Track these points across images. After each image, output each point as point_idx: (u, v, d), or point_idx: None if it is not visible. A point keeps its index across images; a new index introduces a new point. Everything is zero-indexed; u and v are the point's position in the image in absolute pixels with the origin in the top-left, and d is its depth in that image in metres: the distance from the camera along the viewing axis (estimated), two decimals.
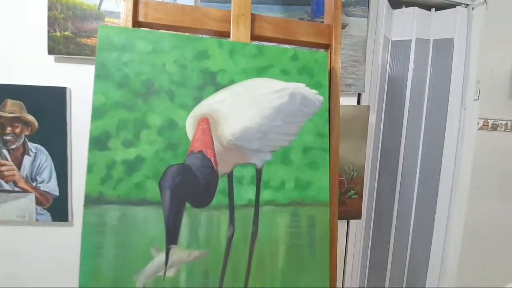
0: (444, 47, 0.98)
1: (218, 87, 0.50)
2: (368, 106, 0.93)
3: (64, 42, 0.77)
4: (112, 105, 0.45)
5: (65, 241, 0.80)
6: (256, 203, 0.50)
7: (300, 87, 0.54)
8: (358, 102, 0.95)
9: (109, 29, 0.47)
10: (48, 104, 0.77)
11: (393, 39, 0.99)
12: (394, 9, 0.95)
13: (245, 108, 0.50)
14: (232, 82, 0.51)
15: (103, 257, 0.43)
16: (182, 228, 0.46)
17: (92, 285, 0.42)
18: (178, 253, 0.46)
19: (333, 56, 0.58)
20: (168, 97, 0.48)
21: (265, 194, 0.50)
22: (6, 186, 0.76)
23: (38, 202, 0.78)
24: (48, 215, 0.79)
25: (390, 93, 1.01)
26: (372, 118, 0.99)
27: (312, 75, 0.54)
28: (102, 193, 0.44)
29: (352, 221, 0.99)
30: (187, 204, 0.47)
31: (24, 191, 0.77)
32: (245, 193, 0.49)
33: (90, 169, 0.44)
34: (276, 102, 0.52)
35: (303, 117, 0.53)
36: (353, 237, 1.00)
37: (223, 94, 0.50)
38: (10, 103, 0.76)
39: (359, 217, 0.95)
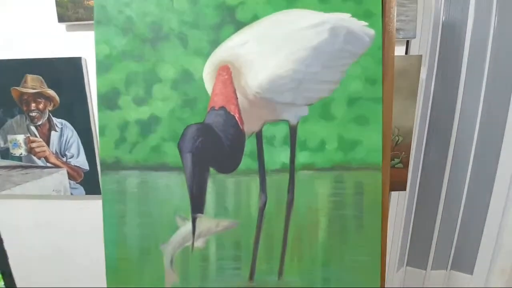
0: None
1: (239, 26, 0.40)
2: (420, 56, 0.76)
3: (72, 7, 0.71)
4: (118, 56, 0.39)
5: (100, 213, 0.82)
6: (291, 168, 0.42)
7: (344, 19, 0.41)
8: (406, 52, 0.77)
9: None
10: (65, 77, 0.74)
11: None
12: None
13: (274, 51, 0.40)
14: (255, 18, 0.40)
15: (126, 226, 0.40)
16: (208, 195, 0.41)
17: (118, 255, 0.39)
18: (206, 222, 0.41)
19: None
20: (179, 42, 0.39)
21: (302, 157, 0.42)
22: (39, 162, 0.79)
23: (71, 177, 0.80)
24: (81, 189, 0.81)
25: (444, 42, 0.81)
26: (423, 72, 0.81)
27: (360, 1, 0.41)
28: (118, 158, 0.40)
29: (393, 193, 0.87)
30: (212, 169, 0.41)
31: (56, 166, 0.79)
32: (277, 156, 0.41)
33: (102, 131, 0.39)
34: (313, 40, 0.40)
35: (348, 58, 0.42)
36: (394, 211, 0.89)
37: (245, 34, 0.40)
38: (30, 78, 0.74)
39: (404, 188, 0.83)
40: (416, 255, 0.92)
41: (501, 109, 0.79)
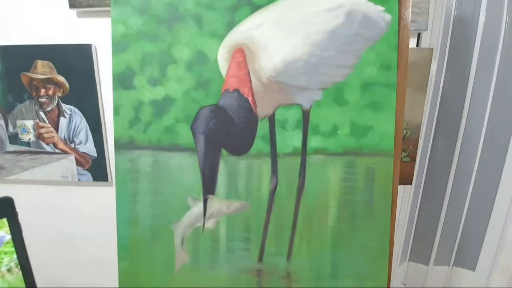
0: None
1: (254, 8, 0.40)
2: (432, 49, 0.75)
3: None
4: (134, 36, 0.39)
5: (107, 199, 0.83)
6: (303, 152, 0.42)
7: (360, 3, 0.41)
8: (417, 45, 0.76)
9: None
10: (75, 63, 0.74)
11: None
12: None
13: (288, 35, 0.40)
14: (271, 0, 0.40)
15: (139, 205, 0.40)
16: (219, 177, 0.41)
17: (130, 233, 0.40)
18: (217, 204, 0.41)
19: None
20: (195, 24, 0.39)
21: (314, 141, 0.42)
22: (47, 148, 0.80)
23: (78, 163, 0.81)
24: (89, 175, 0.81)
25: (455, 35, 0.79)
26: (433, 65, 0.80)
27: None
28: (132, 137, 0.40)
29: (399, 187, 0.87)
30: (224, 151, 0.41)
31: (64, 152, 0.80)
32: (290, 140, 0.42)
33: (116, 111, 0.39)
34: (329, 24, 0.40)
35: (364, 43, 0.41)
36: (399, 205, 0.88)
37: (261, 17, 0.40)
38: (40, 64, 0.75)
39: (410, 182, 0.83)
40: (419, 250, 0.92)
41: (511, 105, 0.78)
